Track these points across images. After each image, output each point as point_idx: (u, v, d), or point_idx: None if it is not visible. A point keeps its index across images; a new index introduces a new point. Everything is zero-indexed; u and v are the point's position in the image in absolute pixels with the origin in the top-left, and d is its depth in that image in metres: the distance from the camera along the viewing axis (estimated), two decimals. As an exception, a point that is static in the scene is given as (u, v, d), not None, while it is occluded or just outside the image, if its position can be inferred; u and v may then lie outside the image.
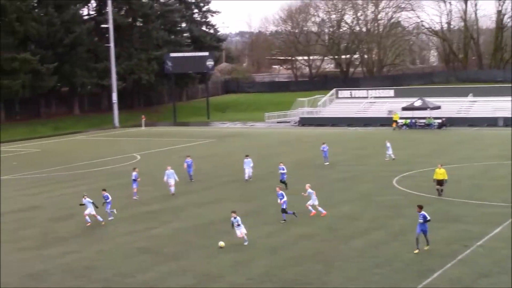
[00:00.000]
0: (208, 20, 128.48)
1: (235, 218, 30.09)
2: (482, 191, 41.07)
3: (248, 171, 46.64)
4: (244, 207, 38.72)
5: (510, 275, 25.03)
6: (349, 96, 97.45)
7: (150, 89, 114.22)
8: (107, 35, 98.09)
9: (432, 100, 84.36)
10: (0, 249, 30.66)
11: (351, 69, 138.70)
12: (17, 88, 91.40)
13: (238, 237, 29.93)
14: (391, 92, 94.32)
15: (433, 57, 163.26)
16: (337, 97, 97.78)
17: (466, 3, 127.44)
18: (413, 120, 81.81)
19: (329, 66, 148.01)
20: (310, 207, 35.79)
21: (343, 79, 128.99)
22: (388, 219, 33.32)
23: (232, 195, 42.66)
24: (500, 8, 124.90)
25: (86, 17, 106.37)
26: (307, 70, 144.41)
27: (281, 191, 35.35)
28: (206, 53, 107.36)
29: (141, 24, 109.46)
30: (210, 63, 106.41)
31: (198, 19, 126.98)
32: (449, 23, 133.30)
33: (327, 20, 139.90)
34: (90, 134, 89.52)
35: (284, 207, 34.76)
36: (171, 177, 43.29)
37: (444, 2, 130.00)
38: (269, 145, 68.74)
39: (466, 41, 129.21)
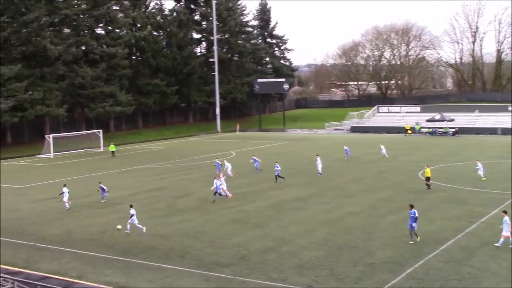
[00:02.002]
0: (285, 55, 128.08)
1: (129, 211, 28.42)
2: (484, 181, 39.94)
3: (319, 166, 45.84)
4: (308, 190, 38.82)
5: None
6: (387, 111, 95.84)
7: (242, 105, 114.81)
8: (213, 66, 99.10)
9: (448, 114, 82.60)
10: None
11: (389, 91, 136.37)
12: (150, 104, 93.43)
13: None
14: (418, 108, 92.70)
15: (449, 83, 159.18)
16: (378, 112, 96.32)
17: (474, 44, 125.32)
18: (434, 129, 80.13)
19: (372, 89, 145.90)
20: (223, 192, 36.33)
21: (383, 99, 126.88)
22: (414, 201, 32.74)
23: (300, 182, 42.46)
24: (499, 48, 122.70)
25: (198, 54, 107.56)
26: (356, 91, 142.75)
27: (216, 180, 36.07)
28: (283, 79, 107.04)
29: (237, 59, 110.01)
30: (286, 86, 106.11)
31: (278, 54, 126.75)
32: (461, 58, 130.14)
33: (371, 55, 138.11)
34: (200, 137, 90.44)
35: (217, 191, 35.58)
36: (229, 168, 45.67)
37: (458, 43, 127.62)
38: (328, 146, 68.28)
39: (474, 72, 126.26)
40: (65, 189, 35.34)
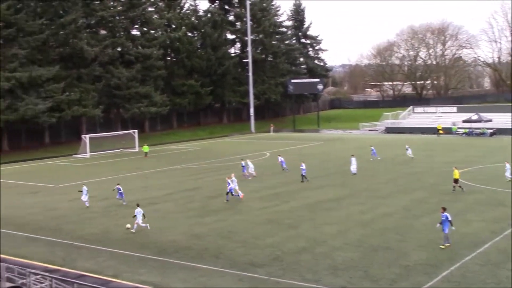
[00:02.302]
0: (319, 55, 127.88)
1: (136, 209, 29.13)
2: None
3: (353, 167, 45.69)
4: (342, 191, 38.60)
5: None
6: (422, 111, 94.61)
7: (276, 105, 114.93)
8: (247, 67, 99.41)
9: (485, 115, 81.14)
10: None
11: (424, 92, 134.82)
12: (185, 105, 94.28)
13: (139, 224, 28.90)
14: (454, 109, 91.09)
15: (486, 83, 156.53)
16: (413, 112, 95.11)
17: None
18: (471, 130, 78.72)
19: (407, 89, 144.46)
20: (235, 192, 36.31)
21: (418, 99, 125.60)
22: (449, 203, 32.17)
23: (334, 182, 42.25)
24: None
25: (233, 54, 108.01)
26: (391, 92, 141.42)
27: (229, 180, 36.27)
28: (317, 80, 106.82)
29: (271, 59, 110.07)
30: (320, 86, 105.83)
31: (312, 55, 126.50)
32: (499, 58, 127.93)
33: (407, 55, 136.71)
34: (234, 137, 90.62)
35: (229, 190, 35.93)
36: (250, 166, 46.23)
37: (496, 42, 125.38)
38: (362, 146, 67.39)
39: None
40: (84, 188, 36.36)
